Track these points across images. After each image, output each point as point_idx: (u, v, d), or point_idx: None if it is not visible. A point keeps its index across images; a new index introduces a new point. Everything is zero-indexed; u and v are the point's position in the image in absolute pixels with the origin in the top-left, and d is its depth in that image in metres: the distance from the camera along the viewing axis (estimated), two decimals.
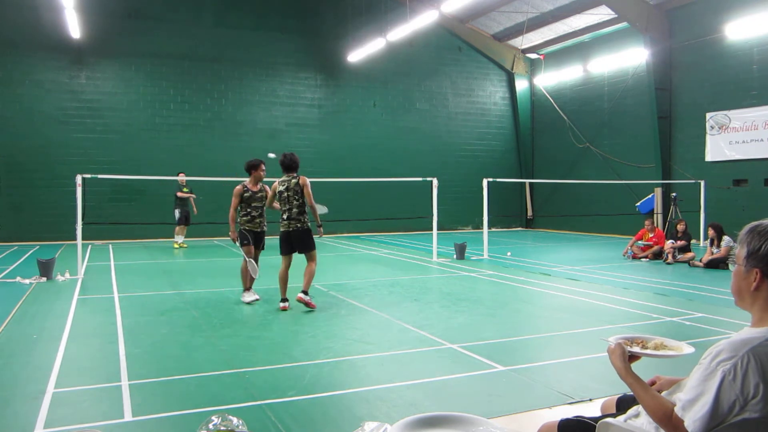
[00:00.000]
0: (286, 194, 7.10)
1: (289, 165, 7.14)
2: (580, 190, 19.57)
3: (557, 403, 3.95)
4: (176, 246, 14.99)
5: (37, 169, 16.49)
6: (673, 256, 11.81)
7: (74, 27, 15.18)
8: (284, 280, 7.16)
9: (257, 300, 7.57)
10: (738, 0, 14.97)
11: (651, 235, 12.66)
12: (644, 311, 7.12)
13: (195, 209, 15.31)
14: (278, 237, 7.24)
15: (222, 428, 2.49)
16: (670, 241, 12.10)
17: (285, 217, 7.12)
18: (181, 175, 14.79)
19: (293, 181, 7.08)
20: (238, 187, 7.70)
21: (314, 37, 19.54)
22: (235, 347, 5.43)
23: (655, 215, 16.24)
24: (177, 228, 15.06)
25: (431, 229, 12.55)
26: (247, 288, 7.64)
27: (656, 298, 8.03)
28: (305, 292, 7.02)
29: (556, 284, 9.13)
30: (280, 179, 7.20)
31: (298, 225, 7.05)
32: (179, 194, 15.06)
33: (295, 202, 7.05)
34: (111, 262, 12.12)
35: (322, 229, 7.31)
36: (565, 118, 20.70)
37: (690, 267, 11.27)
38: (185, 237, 15.32)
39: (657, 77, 16.86)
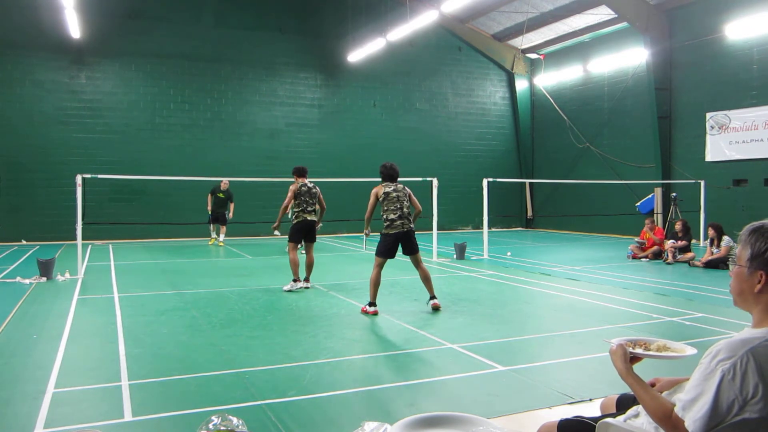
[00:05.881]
0: (395, 195, 7.21)
1: (393, 175, 7.35)
2: (580, 190, 19.56)
3: (557, 403, 3.95)
4: (209, 242, 16.08)
5: (37, 169, 16.49)
6: (673, 256, 11.82)
7: (74, 27, 15.17)
8: (377, 284, 7.09)
9: None
10: (738, 0, 14.97)
11: (650, 235, 12.67)
12: (644, 311, 7.12)
13: (231, 214, 15.68)
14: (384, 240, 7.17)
15: (222, 428, 2.49)
16: (671, 240, 12.10)
17: (396, 216, 7.12)
18: (223, 180, 15.32)
19: (399, 186, 7.33)
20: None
21: (314, 37, 19.54)
22: (235, 347, 5.43)
23: (655, 215, 16.24)
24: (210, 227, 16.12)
25: (431, 229, 12.55)
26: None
27: (656, 298, 8.03)
28: (434, 296, 7.19)
29: (557, 284, 9.13)
30: (385, 184, 7.30)
31: (411, 226, 7.19)
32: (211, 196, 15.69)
33: (405, 202, 7.24)
34: (111, 262, 12.12)
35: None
36: (565, 118, 20.70)
37: (690, 267, 11.27)
38: (225, 236, 15.95)
39: (657, 77, 16.86)
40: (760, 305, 1.80)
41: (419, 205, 7.34)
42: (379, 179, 7.48)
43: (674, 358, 2.17)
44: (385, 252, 7.15)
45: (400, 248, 7.27)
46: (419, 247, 7.29)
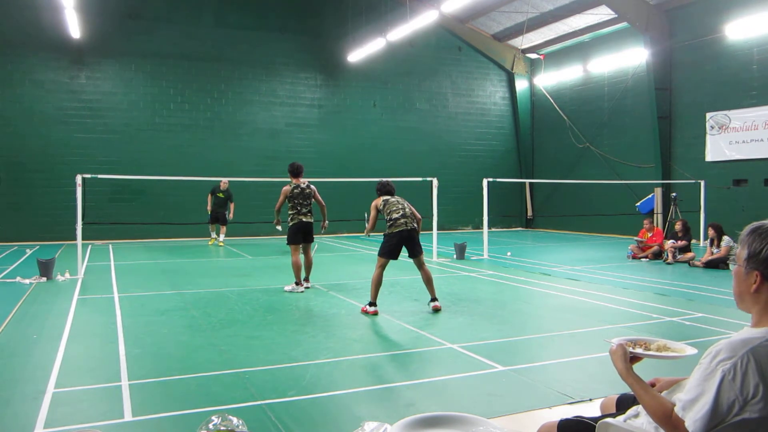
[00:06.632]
0: (394, 200, 7.35)
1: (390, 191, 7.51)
2: (580, 190, 19.56)
3: (557, 403, 3.96)
4: (209, 243, 16.09)
5: (37, 169, 16.49)
6: (674, 256, 11.82)
7: (74, 27, 15.17)
8: (379, 284, 7.08)
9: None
10: (738, 0, 14.97)
11: (650, 235, 12.68)
12: (644, 311, 7.12)
13: (231, 214, 15.65)
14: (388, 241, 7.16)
15: (222, 428, 2.49)
16: (671, 240, 12.10)
17: (399, 215, 7.16)
18: (223, 180, 15.29)
19: (397, 197, 7.47)
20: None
21: (314, 37, 19.54)
22: (235, 347, 5.43)
23: (655, 215, 16.24)
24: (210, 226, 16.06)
25: (431, 229, 12.54)
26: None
27: (656, 298, 8.03)
28: (436, 299, 7.21)
29: (557, 284, 9.13)
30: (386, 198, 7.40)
31: (415, 225, 7.21)
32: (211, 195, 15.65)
33: (406, 205, 7.35)
34: (111, 262, 12.12)
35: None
36: (565, 118, 20.69)
37: (690, 267, 11.27)
38: (225, 236, 15.93)
39: (657, 77, 16.86)
40: (758, 305, 1.81)
41: (419, 215, 7.38)
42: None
43: (674, 358, 2.17)
44: (388, 252, 7.16)
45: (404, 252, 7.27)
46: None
